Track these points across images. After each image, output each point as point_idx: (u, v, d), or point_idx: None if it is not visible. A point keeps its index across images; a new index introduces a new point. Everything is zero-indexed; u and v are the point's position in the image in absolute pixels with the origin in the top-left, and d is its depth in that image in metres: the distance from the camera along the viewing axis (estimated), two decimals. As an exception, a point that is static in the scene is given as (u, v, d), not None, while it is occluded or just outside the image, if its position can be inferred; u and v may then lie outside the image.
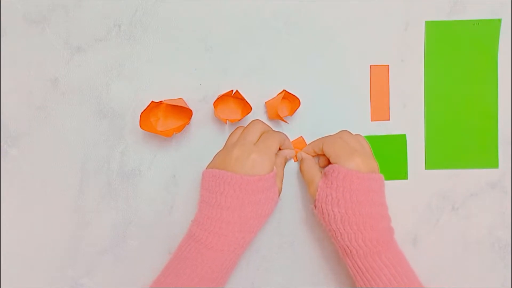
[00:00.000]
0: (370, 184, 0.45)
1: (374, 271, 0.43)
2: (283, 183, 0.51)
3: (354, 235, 0.44)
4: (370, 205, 0.44)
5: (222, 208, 0.44)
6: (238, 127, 0.52)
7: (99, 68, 0.54)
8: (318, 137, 0.52)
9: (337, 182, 0.45)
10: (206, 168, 0.48)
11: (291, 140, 0.54)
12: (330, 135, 0.51)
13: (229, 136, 0.52)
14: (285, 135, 0.51)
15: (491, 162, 0.54)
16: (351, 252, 0.44)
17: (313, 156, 0.52)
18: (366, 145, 0.50)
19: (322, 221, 0.46)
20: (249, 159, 0.45)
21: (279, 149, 0.51)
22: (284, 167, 0.52)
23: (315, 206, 0.47)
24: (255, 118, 0.52)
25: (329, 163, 0.48)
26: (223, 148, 0.50)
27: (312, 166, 0.50)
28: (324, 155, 0.50)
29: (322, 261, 0.54)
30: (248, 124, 0.50)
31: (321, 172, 0.49)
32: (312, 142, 0.52)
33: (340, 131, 0.50)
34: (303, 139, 0.54)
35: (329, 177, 0.46)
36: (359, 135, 0.51)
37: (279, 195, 0.49)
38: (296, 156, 0.53)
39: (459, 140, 0.54)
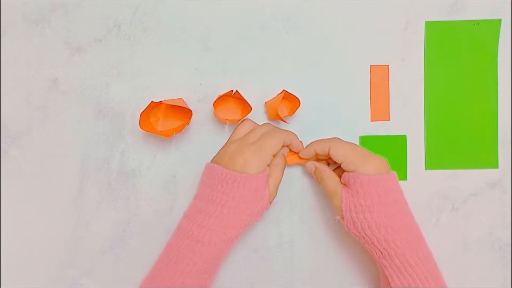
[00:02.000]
0: (391, 184, 0.46)
1: (412, 268, 0.44)
2: (279, 186, 0.49)
3: (391, 237, 0.44)
4: (395, 204, 0.45)
5: (209, 201, 0.45)
6: (246, 119, 0.51)
7: (99, 68, 0.54)
8: (315, 139, 0.50)
9: (363, 190, 0.44)
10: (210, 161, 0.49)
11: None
12: (330, 139, 0.49)
13: (236, 128, 0.50)
14: (293, 134, 0.50)
15: (491, 162, 0.54)
16: (389, 254, 0.44)
17: (312, 159, 0.51)
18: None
19: (353, 229, 0.46)
20: (242, 157, 0.45)
21: (289, 150, 0.51)
22: (282, 167, 0.49)
23: (343, 217, 0.46)
24: (266, 122, 0.52)
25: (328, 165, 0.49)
26: (226, 142, 0.50)
27: (331, 176, 0.48)
28: (324, 158, 0.50)
29: (322, 261, 0.54)
30: (257, 126, 0.50)
31: (339, 181, 0.48)
32: (312, 144, 0.50)
33: (332, 138, 0.49)
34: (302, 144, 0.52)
35: (352, 186, 0.45)
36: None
37: (271, 199, 0.47)
38: (306, 166, 0.51)
39: (459, 140, 0.54)
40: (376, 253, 0.45)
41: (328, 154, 0.48)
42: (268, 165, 0.47)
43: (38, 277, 0.54)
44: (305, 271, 0.54)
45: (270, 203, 0.48)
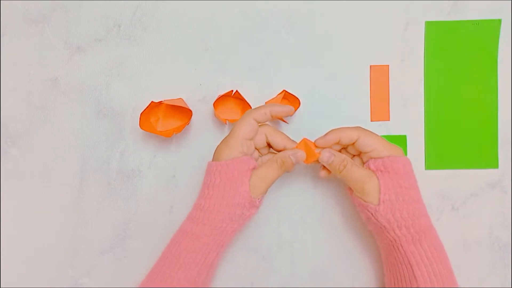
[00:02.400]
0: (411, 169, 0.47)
1: (437, 252, 0.45)
2: (275, 186, 0.47)
3: (421, 221, 0.45)
4: (419, 189, 0.47)
5: (201, 197, 0.46)
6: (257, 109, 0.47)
7: (99, 68, 0.54)
8: (334, 128, 0.47)
9: (402, 172, 0.45)
10: None
11: (294, 145, 0.47)
12: (353, 128, 0.47)
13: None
14: (267, 106, 0.46)
15: (491, 162, 0.54)
16: (419, 238, 0.44)
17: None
18: None
19: (389, 214, 0.44)
20: (217, 147, 0.47)
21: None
22: (278, 166, 0.46)
23: (380, 202, 0.44)
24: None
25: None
26: None
27: (356, 163, 0.46)
28: (341, 147, 0.48)
29: (322, 261, 0.54)
30: None
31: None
32: (336, 132, 0.46)
33: (355, 127, 0.47)
34: (307, 141, 0.47)
35: (390, 169, 0.45)
36: None
37: (255, 192, 0.45)
38: (319, 157, 0.46)
39: (459, 140, 0.54)
40: (405, 239, 0.44)
41: (355, 142, 0.46)
42: (255, 157, 0.47)
43: (38, 277, 0.54)
44: (305, 271, 0.54)
45: (256, 197, 0.45)
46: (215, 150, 0.47)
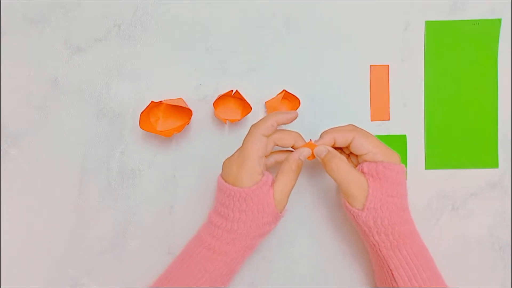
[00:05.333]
0: (404, 177, 0.46)
1: (416, 258, 0.45)
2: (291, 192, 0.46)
3: (402, 228, 0.44)
4: (407, 197, 0.46)
5: (226, 218, 0.45)
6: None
7: (99, 68, 0.54)
8: (329, 128, 0.47)
9: (393, 181, 0.44)
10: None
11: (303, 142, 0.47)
12: (347, 128, 0.46)
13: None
14: (273, 116, 0.45)
15: (491, 162, 0.54)
16: (397, 244, 0.44)
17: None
18: None
19: (370, 221, 0.44)
20: (232, 171, 0.45)
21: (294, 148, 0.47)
22: (294, 172, 0.46)
23: (364, 208, 0.44)
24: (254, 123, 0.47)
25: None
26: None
27: (348, 164, 0.45)
28: (340, 148, 0.47)
29: (322, 261, 0.54)
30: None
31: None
32: (331, 133, 0.46)
33: (350, 126, 0.46)
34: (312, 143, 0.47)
35: (381, 176, 0.43)
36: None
37: (279, 207, 0.46)
38: (317, 149, 0.45)
39: (459, 140, 0.54)
40: (384, 245, 0.45)
41: (349, 144, 0.45)
42: (268, 170, 0.47)
43: (38, 277, 0.54)
44: (305, 271, 0.54)
45: (280, 212, 0.46)
46: (227, 167, 0.45)
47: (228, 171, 0.45)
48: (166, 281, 0.47)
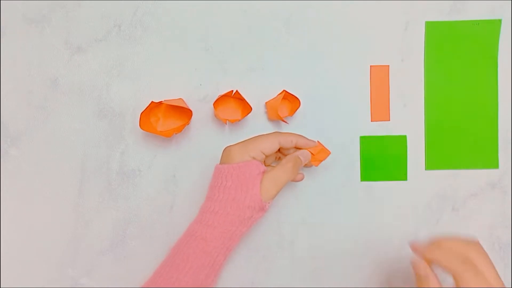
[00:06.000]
0: None
1: None
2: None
3: None
4: None
5: (210, 199, 0.46)
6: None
7: (99, 68, 0.54)
8: (436, 239, 0.44)
9: None
10: None
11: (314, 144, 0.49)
12: (451, 243, 0.43)
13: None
14: (295, 135, 0.48)
15: (491, 162, 0.54)
16: None
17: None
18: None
19: None
20: (229, 149, 0.47)
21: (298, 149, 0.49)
22: (290, 167, 0.47)
23: None
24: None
25: None
26: None
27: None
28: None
29: (322, 261, 0.54)
30: None
31: None
32: (433, 249, 0.43)
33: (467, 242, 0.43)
34: (321, 145, 0.49)
35: None
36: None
37: (266, 196, 0.45)
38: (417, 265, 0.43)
39: (459, 140, 0.54)
40: None
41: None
42: (262, 161, 0.47)
43: (38, 277, 0.54)
44: (305, 271, 0.54)
45: (266, 201, 0.45)
46: (226, 151, 0.47)
47: (226, 156, 0.47)
48: (154, 277, 0.46)
